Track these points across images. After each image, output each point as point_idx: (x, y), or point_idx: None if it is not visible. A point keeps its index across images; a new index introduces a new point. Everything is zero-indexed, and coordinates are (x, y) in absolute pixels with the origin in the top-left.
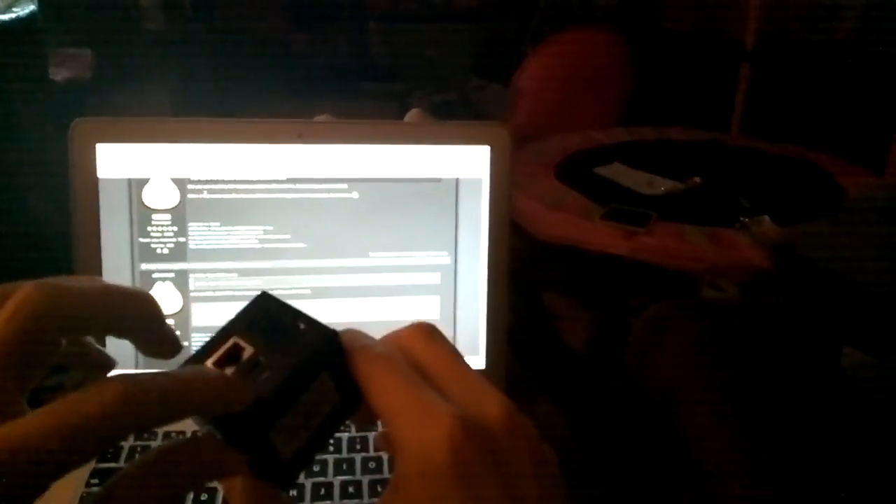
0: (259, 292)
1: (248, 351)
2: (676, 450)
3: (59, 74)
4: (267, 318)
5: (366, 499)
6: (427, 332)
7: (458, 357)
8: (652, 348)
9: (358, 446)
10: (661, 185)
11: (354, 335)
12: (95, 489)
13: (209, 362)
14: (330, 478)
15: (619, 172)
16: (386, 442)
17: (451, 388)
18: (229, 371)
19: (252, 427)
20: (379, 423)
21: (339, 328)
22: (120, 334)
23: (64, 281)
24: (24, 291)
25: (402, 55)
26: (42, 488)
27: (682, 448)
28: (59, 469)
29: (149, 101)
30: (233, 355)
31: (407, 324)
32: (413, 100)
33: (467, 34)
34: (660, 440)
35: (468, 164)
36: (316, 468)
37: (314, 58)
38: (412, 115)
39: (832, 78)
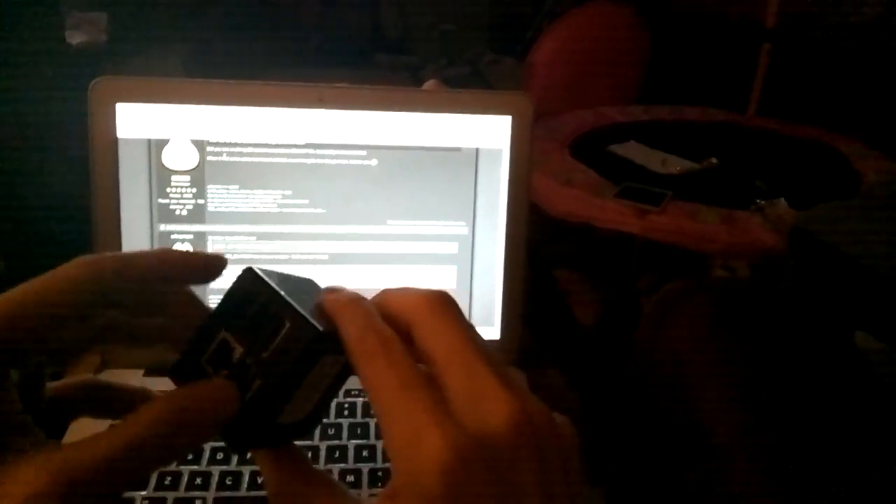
0: (244, 269)
1: (238, 350)
2: (683, 427)
3: (75, 38)
4: (253, 307)
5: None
6: (439, 307)
7: (467, 341)
8: (663, 327)
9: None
10: (677, 165)
11: (350, 312)
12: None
13: (203, 360)
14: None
15: (634, 151)
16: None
17: (453, 384)
18: (222, 375)
19: (255, 430)
20: None
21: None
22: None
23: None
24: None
25: (415, 27)
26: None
27: (689, 425)
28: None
29: (162, 67)
30: (223, 355)
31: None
32: (426, 73)
33: (482, 7)
34: (667, 417)
35: (489, 133)
36: None
37: (326, 28)
38: (430, 85)
39: (853, 61)
